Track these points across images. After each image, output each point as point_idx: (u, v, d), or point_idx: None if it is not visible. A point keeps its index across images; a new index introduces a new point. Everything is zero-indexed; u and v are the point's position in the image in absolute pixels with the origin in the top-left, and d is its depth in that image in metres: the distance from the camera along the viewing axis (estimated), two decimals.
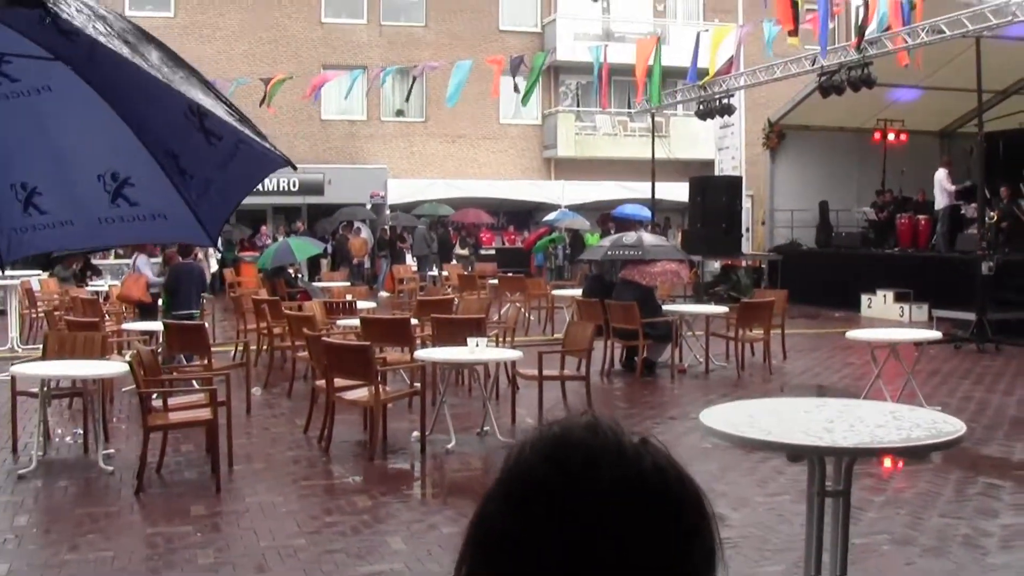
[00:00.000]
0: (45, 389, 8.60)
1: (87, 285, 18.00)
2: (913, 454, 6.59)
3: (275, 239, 25.23)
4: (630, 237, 14.40)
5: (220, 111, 2.19)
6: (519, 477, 1.08)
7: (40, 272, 20.03)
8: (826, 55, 17.99)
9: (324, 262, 28.09)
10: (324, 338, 9.67)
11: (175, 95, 2.07)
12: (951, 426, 4.60)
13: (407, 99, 25.09)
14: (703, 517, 1.08)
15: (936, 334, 12.05)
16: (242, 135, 2.26)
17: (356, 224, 29.66)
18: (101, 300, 15.32)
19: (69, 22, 1.94)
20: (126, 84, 2.29)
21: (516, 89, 21.43)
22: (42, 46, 2.25)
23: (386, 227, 29.73)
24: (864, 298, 20.72)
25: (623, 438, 1.09)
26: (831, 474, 4.52)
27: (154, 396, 8.30)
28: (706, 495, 1.09)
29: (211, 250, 25.60)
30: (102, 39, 1.98)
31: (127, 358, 8.80)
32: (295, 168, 2.49)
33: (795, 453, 4.42)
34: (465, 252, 30.01)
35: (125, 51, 2.01)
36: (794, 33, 17.17)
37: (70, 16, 1.94)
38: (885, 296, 20.12)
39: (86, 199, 2.78)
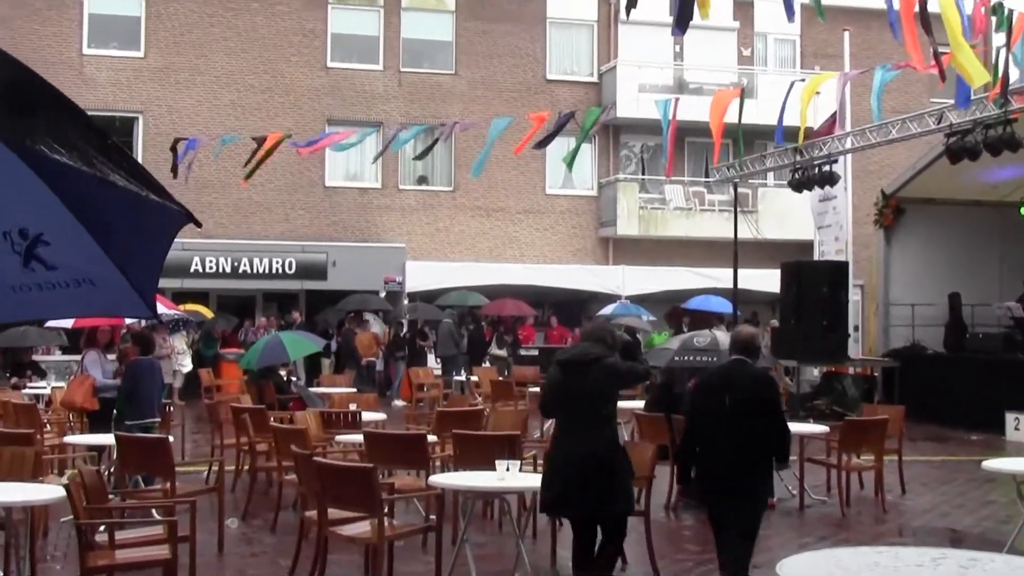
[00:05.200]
0: None
1: (24, 387, 18.06)
2: None
3: (266, 332, 25.28)
4: (703, 338, 14.34)
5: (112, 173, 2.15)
6: None
7: None
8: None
9: (326, 362, 28.13)
10: (317, 458, 9.60)
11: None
12: None
13: (417, 157, 24.85)
14: None
15: None
16: (133, 191, 2.21)
17: (366, 316, 29.75)
18: (42, 406, 15.34)
19: None
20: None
21: (539, 145, 20.96)
22: None
23: (403, 320, 29.79)
24: (1010, 417, 20.34)
25: None
26: None
27: (99, 529, 8.20)
28: None
29: (183, 345, 25.83)
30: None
31: (65, 480, 8.74)
32: (199, 225, 2.41)
33: None
34: (502, 352, 29.91)
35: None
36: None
37: None
38: None
39: None
